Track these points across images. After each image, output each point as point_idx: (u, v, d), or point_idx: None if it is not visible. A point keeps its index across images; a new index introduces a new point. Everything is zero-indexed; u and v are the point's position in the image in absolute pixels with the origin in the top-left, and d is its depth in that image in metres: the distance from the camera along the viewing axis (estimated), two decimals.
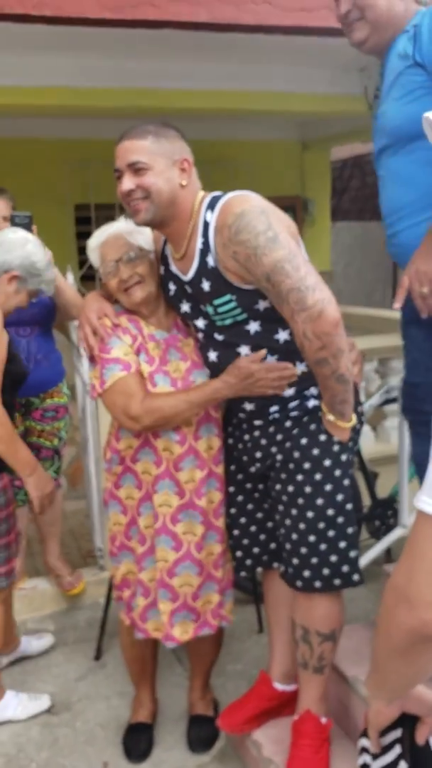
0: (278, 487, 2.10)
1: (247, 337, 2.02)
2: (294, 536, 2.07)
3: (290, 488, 2.06)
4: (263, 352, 2.01)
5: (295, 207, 6.36)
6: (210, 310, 2.02)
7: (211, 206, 1.97)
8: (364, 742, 1.39)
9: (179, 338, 2.22)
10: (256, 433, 2.12)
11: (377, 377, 4.23)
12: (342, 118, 4.87)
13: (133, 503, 2.27)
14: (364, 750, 1.39)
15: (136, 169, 1.92)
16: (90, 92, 3.66)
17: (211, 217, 1.95)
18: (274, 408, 2.06)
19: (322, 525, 2.04)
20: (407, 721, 1.31)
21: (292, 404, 2.05)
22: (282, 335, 2.00)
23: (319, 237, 6.56)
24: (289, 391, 2.04)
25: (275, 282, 1.84)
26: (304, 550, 2.06)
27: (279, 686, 2.37)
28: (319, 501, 2.03)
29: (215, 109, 4.04)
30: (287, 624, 2.27)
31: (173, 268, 2.11)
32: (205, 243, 1.96)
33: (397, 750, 1.32)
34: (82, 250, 4.80)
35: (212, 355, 2.11)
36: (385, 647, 1.15)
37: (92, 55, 3.57)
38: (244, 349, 2.03)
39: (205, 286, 1.99)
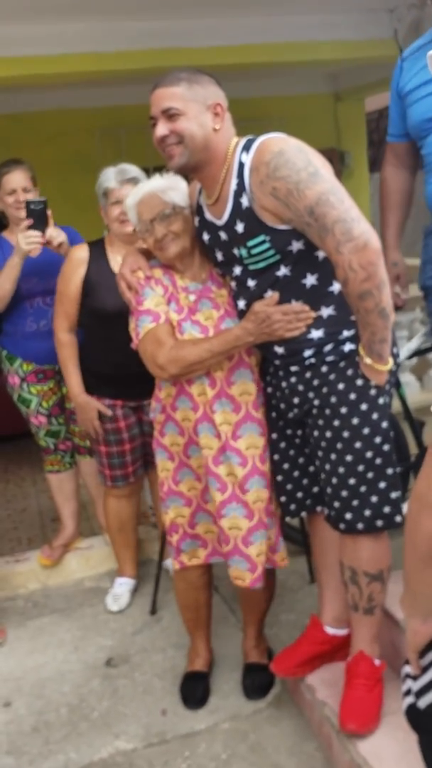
0: (316, 433, 2.12)
1: (277, 282, 2.03)
2: (334, 480, 2.09)
3: (328, 433, 2.08)
4: (276, 295, 2.03)
5: (331, 159, 6.25)
6: (244, 252, 2.03)
7: (246, 148, 1.99)
8: (406, 669, 1.41)
9: (212, 289, 2.27)
10: (293, 379, 2.13)
11: (421, 327, 4.18)
12: (373, 65, 4.75)
13: (178, 449, 2.34)
14: (407, 676, 1.41)
15: (170, 115, 1.96)
16: (117, 56, 3.64)
17: (247, 158, 1.97)
18: (308, 353, 2.06)
19: (361, 467, 2.06)
20: None
21: (327, 348, 2.06)
22: (309, 280, 2.02)
23: (357, 189, 6.45)
24: (318, 333, 2.05)
25: (320, 214, 1.85)
26: (344, 492, 2.08)
27: (330, 630, 2.40)
28: (358, 444, 2.05)
29: (245, 64, 3.98)
30: (335, 568, 2.29)
31: (208, 215, 2.14)
32: (240, 184, 1.98)
33: None
34: None
35: (241, 304, 2.14)
36: (412, 558, 1.16)
37: (117, 18, 3.55)
38: (270, 295, 2.05)
39: (239, 227, 2.01)
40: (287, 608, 3.03)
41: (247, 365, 2.26)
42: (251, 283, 2.08)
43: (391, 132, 2.69)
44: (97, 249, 2.92)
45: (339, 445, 2.07)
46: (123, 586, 3.24)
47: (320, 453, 2.13)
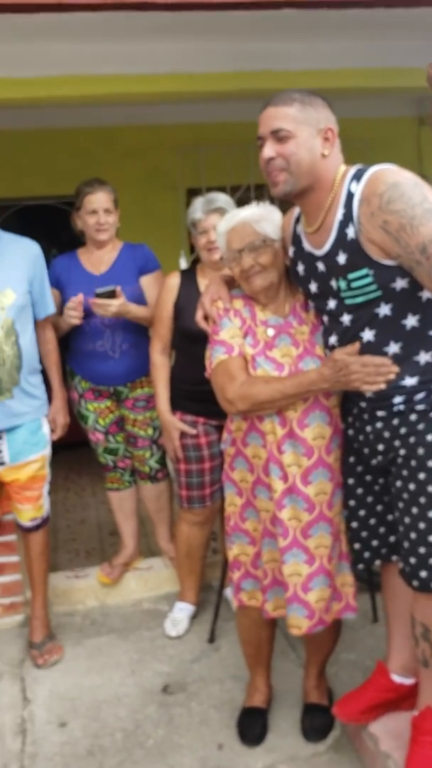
0: (399, 483, 2.04)
1: (375, 321, 1.96)
2: (413, 535, 2.01)
3: (411, 486, 1.99)
4: (357, 345, 1.98)
5: None
6: (342, 285, 1.96)
7: (357, 177, 1.92)
8: None
9: (293, 325, 2.22)
10: (379, 425, 2.05)
11: None
12: None
13: (247, 486, 2.30)
14: None
15: (279, 137, 1.92)
16: (206, 77, 3.62)
17: (357, 188, 1.90)
18: (398, 399, 1.99)
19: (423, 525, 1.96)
20: None
21: (419, 396, 1.98)
22: (410, 321, 1.94)
23: None
24: (411, 381, 1.96)
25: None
26: (422, 549, 1.99)
27: (397, 678, 2.32)
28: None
29: (332, 88, 3.93)
30: (406, 617, 2.21)
31: (306, 245, 2.08)
32: (347, 214, 1.91)
33: None
34: None
35: (332, 339, 2.07)
36: None
37: (209, 40, 3.53)
38: (367, 335, 1.97)
39: (341, 259, 1.94)
40: (348, 647, 2.95)
41: (324, 408, 2.19)
42: (346, 318, 2.01)
43: None
44: (188, 275, 3.03)
45: (422, 500, 1.98)
46: (183, 611, 3.21)
47: (401, 504, 2.04)
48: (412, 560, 2.02)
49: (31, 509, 3.00)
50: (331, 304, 2.05)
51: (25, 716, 2.69)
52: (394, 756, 2.20)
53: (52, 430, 3.08)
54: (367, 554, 2.26)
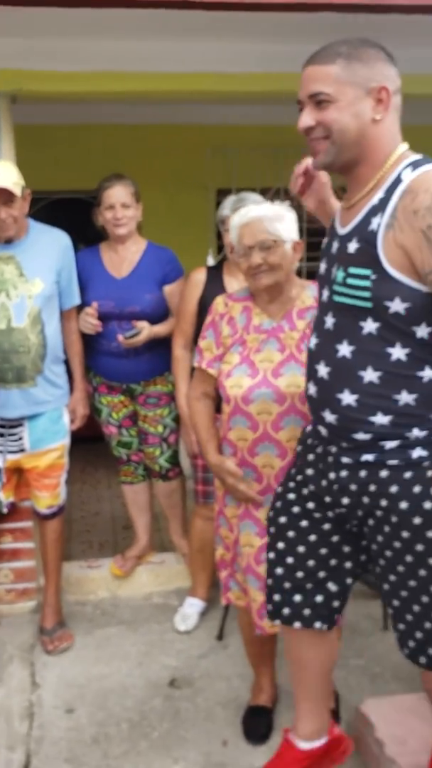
0: (388, 552, 1.79)
1: (356, 336, 1.70)
2: (415, 608, 1.78)
3: (408, 557, 1.75)
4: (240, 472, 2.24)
5: None
6: (339, 275, 1.71)
7: (415, 165, 1.64)
8: None
9: (284, 329, 2.24)
10: (344, 474, 1.78)
11: None
12: None
13: (219, 493, 2.39)
14: None
15: (318, 101, 1.63)
16: (238, 77, 3.62)
17: (408, 176, 1.62)
18: (362, 436, 1.73)
19: (426, 599, 1.76)
20: None
21: (390, 445, 1.71)
22: (397, 352, 1.66)
23: None
24: (382, 419, 1.70)
25: None
26: (428, 624, 1.78)
27: (306, 745, 2.13)
28: (422, 572, 1.74)
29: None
30: (313, 684, 2.12)
31: (336, 221, 1.82)
32: (384, 200, 1.64)
33: None
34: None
35: (312, 341, 1.86)
36: None
37: (242, 40, 3.54)
38: (343, 349, 1.72)
39: (351, 247, 1.68)
40: (357, 653, 2.95)
41: (274, 440, 2.20)
42: (329, 321, 1.77)
43: None
44: (215, 272, 3.01)
45: (422, 572, 1.73)
46: (193, 607, 3.22)
47: (392, 577, 1.79)
48: (419, 636, 1.79)
49: (48, 497, 3.04)
50: (324, 294, 1.82)
51: (33, 700, 2.72)
52: (398, 762, 2.20)
53: (72, 421, 3.12)
54: (286, 611, 2.01)
